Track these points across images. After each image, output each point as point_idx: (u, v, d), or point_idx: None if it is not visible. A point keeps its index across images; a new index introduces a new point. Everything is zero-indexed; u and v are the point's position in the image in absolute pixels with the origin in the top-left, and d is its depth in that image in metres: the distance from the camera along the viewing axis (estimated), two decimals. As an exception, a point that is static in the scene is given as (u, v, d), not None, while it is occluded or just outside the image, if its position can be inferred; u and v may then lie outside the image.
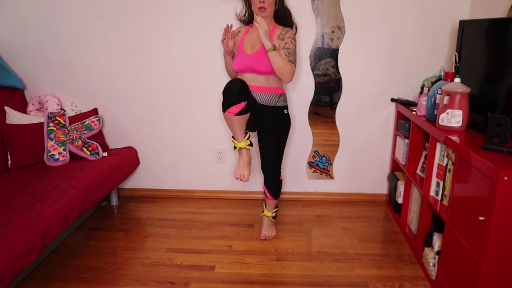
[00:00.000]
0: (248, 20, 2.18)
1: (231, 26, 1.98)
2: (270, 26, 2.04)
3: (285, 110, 2.11)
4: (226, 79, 2.54)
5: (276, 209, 2.31)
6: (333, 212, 2.62)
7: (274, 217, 2.32)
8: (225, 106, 1.90)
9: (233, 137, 2.04)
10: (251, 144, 2.04)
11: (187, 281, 1.90)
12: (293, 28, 2.15)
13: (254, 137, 2.20)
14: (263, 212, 2.32)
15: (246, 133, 2.03)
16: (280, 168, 2.19)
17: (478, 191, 1.42)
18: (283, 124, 2.11)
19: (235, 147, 2.04)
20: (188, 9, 2.46)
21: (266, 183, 2.20)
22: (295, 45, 2.02)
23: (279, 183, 2.21)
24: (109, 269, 1.99)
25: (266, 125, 2.08)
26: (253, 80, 2.03)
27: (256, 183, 2.76)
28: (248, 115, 1.96)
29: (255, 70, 2.00)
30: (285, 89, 2.16)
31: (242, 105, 1.89)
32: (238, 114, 1.89)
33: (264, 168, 2.17)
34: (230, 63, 2.11)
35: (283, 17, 2.11)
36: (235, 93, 1.87)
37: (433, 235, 1.91)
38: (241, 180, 2.05)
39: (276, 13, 2.07)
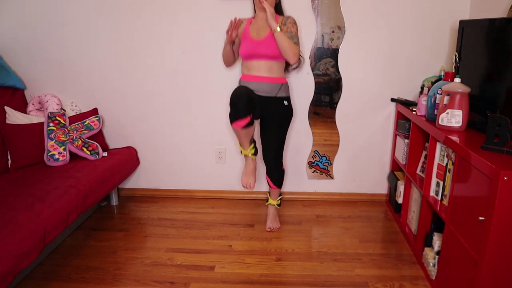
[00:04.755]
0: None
1: (239, 20, 2.07)
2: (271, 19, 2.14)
3: (285, 101, 2.17)
4: (226, 79, 2.55)
5: (280, 196, 2.42)
6: (333, 212, 2.62)
7: (279, 205, 2.42)
8: (232, 119, 1.99)
9: (239, 143, 2.18)
10: (255, 153, 2.22)
11: (187, 281, 1.90)
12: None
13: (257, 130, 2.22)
14: (267, 201, 2.40)
15: (252, 142, 2.18)
16: (282, 158, 2.26)
17: (478, 191, 1.42)
18: (284, 115, 2.19)
19: (241, 152, 2.21)
20: (188, 9, 2.46)
21: (269, 172, 2.29)
22: (296, 29, 2.12)
23: (282, 172, 2.31)
24: (109, 269, 1.99)
25: (267, 115, 2.16)
26: (257, 69, 2.10)
27: (256, 183, 2.75)
28: (253, 127, 2.08)
29: (262, 54, 2.06)
30: (287, 81, 2.24)
31: (247, 119, 1.98)
32: (244, 127, 2.01)
33: (266, 158, 2.26)
34: (229, 50, 2.19)
35: (277, 6, 2.20)
36: (241, 108, 1.95)
37: (433, 235, 1.91)
38: (246, 188, 2.25)
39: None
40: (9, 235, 1.55)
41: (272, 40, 2.03)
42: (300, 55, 2.14)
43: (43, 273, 1.97)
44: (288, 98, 2.19)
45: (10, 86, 2.50)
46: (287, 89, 2.19)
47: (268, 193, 2.41)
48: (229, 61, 2.27)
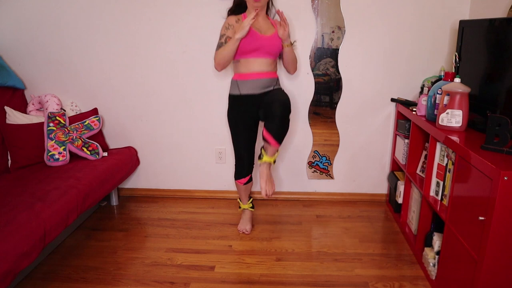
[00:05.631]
0: (239, 10, 2.20)
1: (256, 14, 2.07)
2: (266, 18, 2.17)
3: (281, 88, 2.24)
4: (226, 79, 2.54)
5: (277, 153, 2.08)
6: (333, 212, 2.62)
7: (274, 161, 2.09)
8: (236, 177, 2.29)
9: (239, 199, 2.42)
10: (253, 207, 2.42)
11: (187, 281, 1.90)
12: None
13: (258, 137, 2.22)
14: (260, 158, 2.08)
15: (249, 198, 2.41)
16: (289, 115, 2.02)
17: (478, 191, 1.42)
18: (284, 92, 2.13)
19: (240, 207, 2.43)
20: (188, 9, 2.46)
21: (271, 125, 1.96)
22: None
23: (287, 125, 2.00)
24: (109, 269, 2.00)
25: (270, 97, 2.05)
26: (258, 66, 2.12)
27: (255, 183, 2.76)
28: (251, 184, 2.33)
29: (267, 51, 2.10)
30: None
31: (247, 178, 2.28)
32: (245, 184, 2.29)
33: (272, 111, 1.95)
34: (235, 49, 2.06)
35: (268, 7, 2.21)
36: (245, 169, 2.25)
37: (433, 235, 1.91)
38: (243, 233, 2.35)
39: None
40: (9, 235, 1.55)
41: (277, 39, 2.12)
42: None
43: (43, 273, 1.97)
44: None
45: (10, 86, 2.50)
46: (279, 82, 2.25)
47: (261, 150, 2.09)
48: (228, 61, 2.15)
